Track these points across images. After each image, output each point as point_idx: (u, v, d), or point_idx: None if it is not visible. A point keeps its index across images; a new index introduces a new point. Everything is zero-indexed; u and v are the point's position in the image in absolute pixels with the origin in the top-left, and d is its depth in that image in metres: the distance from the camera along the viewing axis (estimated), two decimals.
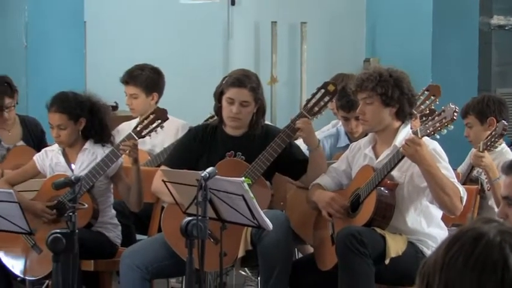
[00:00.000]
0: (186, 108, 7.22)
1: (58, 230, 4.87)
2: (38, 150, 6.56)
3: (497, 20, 9.07)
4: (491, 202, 6.06)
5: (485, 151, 5.98)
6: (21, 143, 7.15)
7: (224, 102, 5.94)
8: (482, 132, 6.21)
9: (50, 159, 6.23)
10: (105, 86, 7.05)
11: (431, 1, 8.70)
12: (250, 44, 9.22)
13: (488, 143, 5.99)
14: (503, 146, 6.23)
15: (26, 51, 8.05)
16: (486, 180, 6.09)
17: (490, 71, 9.09)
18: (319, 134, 6.55)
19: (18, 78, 7.24)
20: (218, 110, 6.01)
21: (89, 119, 6.14)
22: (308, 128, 5.87)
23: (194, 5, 9.08)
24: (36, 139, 7.19)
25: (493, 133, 6.04)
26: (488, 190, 6.10)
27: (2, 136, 7.13)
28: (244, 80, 5.98)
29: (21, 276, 6.06)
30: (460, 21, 8.78)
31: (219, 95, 5.99)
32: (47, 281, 6.12)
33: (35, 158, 6.33)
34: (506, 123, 6.09)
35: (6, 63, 7.73)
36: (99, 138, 6.18)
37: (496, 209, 5.93)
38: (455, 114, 5.35)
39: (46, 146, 6.64)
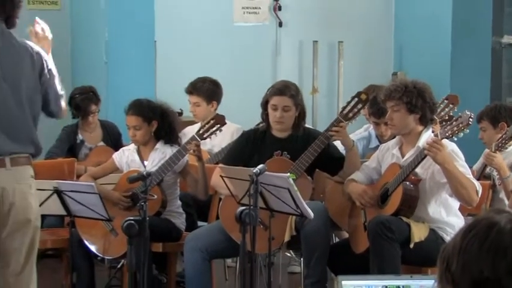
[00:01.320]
0: (240, 115, 7.21)
1: (132, 217, 4.89)
2: (115, 150, 6.59)
3: (507, 39, 9.00)
4: (502, 195, 6.01)
5: (497, 151, 5.94)
6: (101, 143, 7.19)
7: (269, 109, 5.95)
8: (495, 135, 6.16)
9: (126, 157, 6.27)
10: (172, 95, 7.06)
11: (450, 23, 8.65)
12: (295, 60, 9.21)
13: (500, 145, 5.94)
14: None
15: (106, 66, 8.09)
16: (497, 176, 6.04)
17: (501, 83, 9.04)
18: (353, 137, 6.52)
19: (99, 88, 7.28)
20: (265, 116, 6.03)
21: (160, 122, 6.17)
22: (343, 132, 5.87)
23: (247, 27, 9.09)
24: (113, 140, 7.22)
25: (503, 136, 5.99)
26: (499, 185, 6.05)
27: (86, 137, 7.18)
28: (284, 89, 6.00)
29: (101, 255, 6.09)
30: (475, 40, 8.71)
31: (264, 104, 6.00)
32: (123, 260, 6.13)
33: (114, 156, 6.37)
34: None
35: (90, 76, 7.78)
36: (168, 139, 6.20)
37: (506, 201, 5.93)
38: (471, 119, 5.33)
39: (122, 146, 6.67)
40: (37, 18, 4.91)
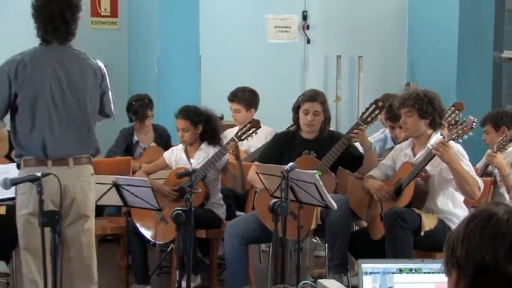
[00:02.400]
0: (273, 120, 7.20)
1: (179, 208, 4.90)
2: (165, 149, 6.61)
3: (506, 53, 8.94)
4: (503, 190, 5.96)
5: (498, 152, 5.91)
6: (153, 144, 7.22)
7: (301, 113, 5.94)
8: (496, 138, 6.11)
9: (175, 155, 6.28)
10: (214, 102, 7.07)
11: (457, 39, 8.60)
12: (320, 72, 9.20)
13: (500, 146, 5.91)
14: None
15: (158, 77, 8.13)
16: (498, 174, 6.01)
17: (501, 92, 8.99)
18: (371, 139, 6.51)
19: (152, 96, 7.31)
20: (296, 120, 6.03)
21: (204, 125, 6.18)
22: (362, 134, 5.86)
23: (279, 43, 9.09)
24: (164, 141, 7.24)
25: (504, 138, 5.96)
26: (500, 181, 6.00)
27: (140, 139, 7.22)
28: (315, 96, 6.00)
29: (153, 240, 6.11)
30: (478, 54, 8.66)
31: (296, 108, 5.99)
32: (171, 245, 6.15)
33: (164, 154, 6.39)
34: None
35: (144, 86, 7.82)
36: (211, 140, 6.21)
37: (507, 196, 5.90)
38: (474, 124, 5.31)
39: (171, 146, 6.69)
40: None
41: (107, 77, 4.63)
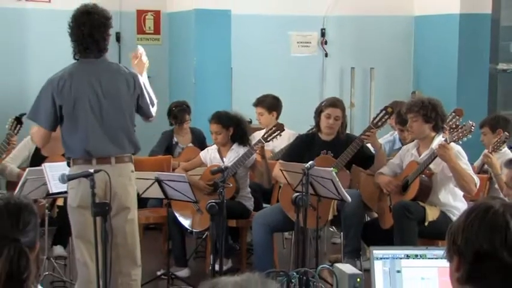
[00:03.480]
0: (295, 123, 7.20)
1: (213, 200, 4.91)
2: (201, 149, 6.63)
3: (501, 66, 8.89)
4: (497, 186, 5.93)
5: (492, 152, 5.88)
6: (190, 144, 7.23)
7: (323, 117, 5.93)
8: (493, 139, 6.08)
9: (209, 154, 6.30)
10: (244, 108, 7.07)
11: (457, 52, 8.55)
12: (336, 82, 9.17)
13: (495, 147, 5.89)
14: (505, 149, 6.09)
15: (194, 86, 8.16)
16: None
17: (496, 100, 8.95)
18: (381, 140, 6.49)
19: (189, 103, 7.33)
20: (317, 123, 6.02)
21: (235, 128, 6.19)
22: (373, 137, 5.84)
23: (301, 57, 9.07)
24: (200, 142, 7.25)
25: (498, 140, 5.93)
26: (495, 178, 5.97)
27: (179, 140, 7.23)
28: (337, 102, 6.02)
29: (190, 229, 6.12)
30: (476, 66, 8.60)
31: (318, 113, 5.99)
32: (206, 233, 6.16)
33: (200, 154, 6.41)
34: (507, 134, 5.99)
35: (182, 94, 7.84)
36: (241, 141, 6.21)
37: (500, 191, 5.85)
38: (473, 128, 5.30)
39: (206, 146, 6.70)
40: (139, 46, 4.94)
41: (141, 83, 4.63)
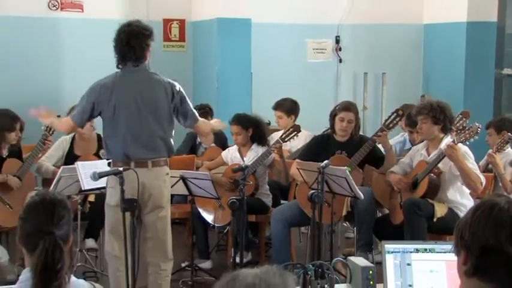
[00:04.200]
0: (311, 125, 7.18)
1: (234, 197, 4.92)
2: (223, 149, 6.64)
3: (506, 71, 8.83)
4: (501, 184, 5.89)
5: (496, 153, 5.84)
6: (213, 145, 7.23)
7: (337, 120, 5.92)
8: (497, 139, 6.03)
9: (230, 154, 6.31)
10: (263, 110, 7.08)
11: (464, 58, 8.51)
12: (350, 86, 9.15)
13: (499, 147, 5.85)
14: (509, 149, 6.04)
15: (217, 91, 8.16)
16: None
17: (501, 103, 8.89)
18: (392, 141, 6.47)
19: (212, 106, 7.35)
20: (332, 125, 6.01)
21: (254, 129, 6.19)
22: (384, 138, 5.82)
23: (316, 62, 9.06)
24: (222, 142, 7.25)
25: (501, 140, 5.89)
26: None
27: (202, 140, 7.23)
28: (350, 106, 6.00)
29: (212, 223, 6.13)
30: (482, 71, 8.56)
31: (333, 116, 5.98)
32: (228, 227, 6.18)
33: (222, 153, 6.42)
34: (511, 135, 5.94)
35: (205, 97, 7.84)
36: (260, 142, 6.22)
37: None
38: (479, 129, 5.28)
39: (228, 146, 6.72)
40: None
41: (183, 91, 4.66)
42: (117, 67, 4.60)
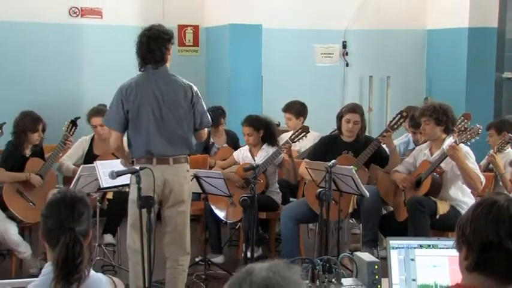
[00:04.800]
0: (319, 126, 7.17)
1: (245, 195, 4.92)
2: (235, 149, 6.64)
3: (506, 74, 8.79)
4: (501, 183, 5.87)
5: (497, 153, 5.82)
6: (225, 145, 7.22)
7: (343, 122, 5.91)
8: (498, 140, 6.02)
9: (242, 154, 6.31)
10: (273, 112, 7.08)
11: (466, 62, 8.48)
12: (356, 89, 9.13)
13: (499, 147, 5.83)
14: (509, 149, 6.02)
15: (229, 93, 8.16)
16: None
17: (501, 105, 8.84)
18: (396, 142, 6.46)
19: (224, 108, 7.34)
20: (339, 126, 6.00)
21: (265, 130, 6.19)
22: (389, 138, 5.81)
23: (324, 66, 9.04)
24: (233, 143, 7.25)
25: (502, 141, 5.87)
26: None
27: (215, 141, 7.23)
28: (356, 108, 5.98)
29: (224, 220, 6.14)
30: (483, 74, 8.53)
31: (340, 117, 5.97)
32: (239, 223, 6.18)
33: (234, 153, 6.43)
34: (511, 136, 5.91)
35: (218, 100, 7.84)
36: (270, 142, 6.21)
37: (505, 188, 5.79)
38: (480, 130, 5.25)
39: (239, 147, 6.71)
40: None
41: (199, 93, 4.68)
42: (140, 70, 4.61)
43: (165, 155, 4.50)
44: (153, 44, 4.51)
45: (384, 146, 5.93)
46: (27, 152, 5.88)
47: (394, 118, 5.93)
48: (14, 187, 5.72)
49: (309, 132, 6.23)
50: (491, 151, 5.88)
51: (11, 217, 5.66)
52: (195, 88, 4.66)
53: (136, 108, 4.52)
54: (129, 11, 8.28)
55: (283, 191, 6.34)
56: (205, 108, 4.76)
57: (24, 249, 5.66)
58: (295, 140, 6.15)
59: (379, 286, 3.03)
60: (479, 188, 5.25)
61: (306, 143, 6.71)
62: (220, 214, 6.10)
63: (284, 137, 6.54)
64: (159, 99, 4.53)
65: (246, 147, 6.33)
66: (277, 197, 6.23)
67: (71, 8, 8.09)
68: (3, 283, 3.15)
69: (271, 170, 6.15)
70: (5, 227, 5.60)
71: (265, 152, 6.16)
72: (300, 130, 6.18)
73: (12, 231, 5.61)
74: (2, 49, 7.49)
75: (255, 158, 6.18)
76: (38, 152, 5.95)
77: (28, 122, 5.81)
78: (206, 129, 4.84)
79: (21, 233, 5.77)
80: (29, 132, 5.80)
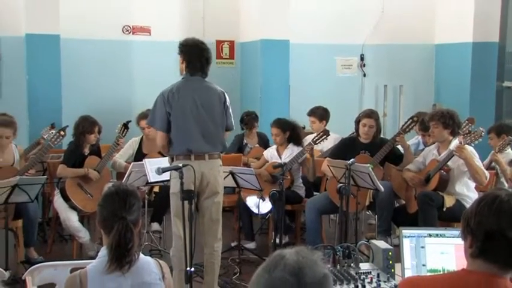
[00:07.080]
0: (340, 129, 7.14)
1: (274, 189, 4.91)
2: (265, 149, 6.64)
3: (506, 83, 8.67)
4: (503, 180, 5.79)
5: (498, 153, 5.75)
6: (257, 145, 7.24)
7: (360, 126, 5.88)
8: (498, 142, 5.94)
9: (270, 152, 6.31)
10: (299, 116, 7.07)
11: (470, 72, 8.37)
12: (372, 96, 9.07)
13: (500, 148, 5.75)
14: (509, 150, 5.93)
15: (260, 99, 8.16)
16: (499, 168, 5.82)
17: (502, 111, 8.73)
18: (409, 142, 6.40)
19: (257, 112, 7.36)
20: (356, 129, 5.96)
21: (291, 132, 6.18)
22: (402, 140, 5.76)
23: (344, 77, 9.00)
24: (264, 143, 7.26)
25: (502, 142, 5.79)
26: (500, 173, 5.83)
27: (248, 141, 7.24)
28: (371, 114, 5.93)
29: (256, 212, 6.15)
30: (485, 83, 8.42)
31: (357, 122, 5.94)
32: (269, 214, 6.17)
33: (264, 152, 6.43)
34: (511, 138, 5.82)
35: (251, 106, 7.86)
36: (295, 142, 6.21)
37: (506, 184, 5.70)
38: (483, 133, 5.21)
39: (269, 147, 6.71)
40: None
41: (228, 99, 4.68)
42: (182, 79, 4.63)
43: (202, 152, 4.51)
44: (191, 56, 4.54)
45: (399, 146, 5.89)
46: (86, 151, 5.95)
47: (406, 122, 5.88)
48: (75, 181, 5.80)
49: (329, 135, 6.22)
50: (493, 152, 5.81)
51: (73, 207, 5.74)
52: (226, 94, 4.67)
53: (177, 111, 4.52)
54: (174, 28, 8.33)
55: (307, 186, 6.33)
56: (231, 113, 4.75)
57: (83, 234, 5.73)
58: (317, 142, 6.14)
59: (392, 270, 3.00)
60: (484, 182, 5.20)
61: (327, 144, 6.70)
62: (252, 206, 6.08)
63: (308, 139, 6.53)
64: (197, 103, 4.53)
65: (274, 146, 6.33)
66: (302, 191, 6.22)
67: (124, 27, 8.19)
68: (66, 263, 3.19)
69: (295, 168, 6.15)
70: (67, 215, 5.68)
71: (291, 150, 6.15)
72: (321, 133, 6.18)
73: (73, 218, 5.70)
74: (66, 62, 7.59)
75: (281, 156, 6.18)
76: (95, 150, 6.02)
77: (86, 125, 5.88)
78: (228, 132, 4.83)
79: (81, 220, 5.85)
80: (87, 133, 5.87)
